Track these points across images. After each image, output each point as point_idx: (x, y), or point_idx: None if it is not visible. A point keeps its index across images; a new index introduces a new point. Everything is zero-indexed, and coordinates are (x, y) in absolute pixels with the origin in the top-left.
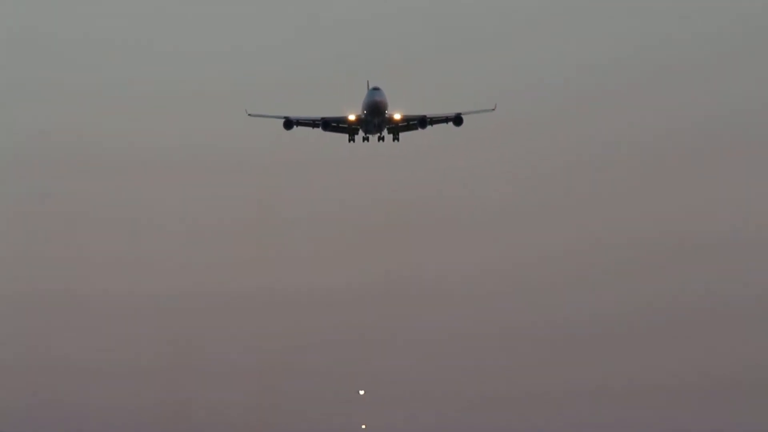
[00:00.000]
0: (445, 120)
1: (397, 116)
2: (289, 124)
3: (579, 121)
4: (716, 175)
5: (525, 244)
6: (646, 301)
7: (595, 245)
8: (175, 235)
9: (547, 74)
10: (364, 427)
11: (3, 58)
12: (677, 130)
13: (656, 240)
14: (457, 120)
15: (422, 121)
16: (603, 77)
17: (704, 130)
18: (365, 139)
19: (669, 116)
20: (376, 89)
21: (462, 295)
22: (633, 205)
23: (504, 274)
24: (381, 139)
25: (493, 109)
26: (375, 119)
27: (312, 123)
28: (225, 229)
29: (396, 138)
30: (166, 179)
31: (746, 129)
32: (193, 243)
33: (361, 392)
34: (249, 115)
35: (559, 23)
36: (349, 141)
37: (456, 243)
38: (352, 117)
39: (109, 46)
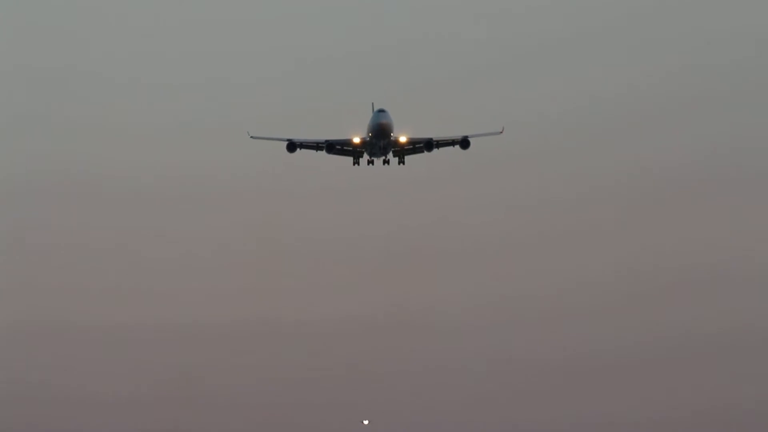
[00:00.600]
0: (451, 143)
1: (402, 139)
2: (292, 146)
3: (587, 148)
4: (724, 209)
5: (532, 273)
6: (650, 335)
7: (606, 274)
8: (175, 264)
9: (556, 100)
10: None
11: (2, 91)
12: (686, 164)
13: (665, 273)
14: (464, 143)
15: (428, 144)
16: (612, 107)
17: (710, 164)
18: (370, 162)
19: (679, 149)
20: (381, 111)
21: (467, 325)
22: (642, 236)
23: (511, 304)
24: (386, 162)
25: (501, 132)
26: (380, 142)
27: (315, 146)
28: (226, 257)
29: (401, 161)
30: (167, 207)
31: (750, 165)
32: (193, 272)
33: (365, 422)
34: (251, 137)
35: (571, 50)
36: (354, 164)
37: (461, 272)
38: (356, 140)
39: (106, 75)
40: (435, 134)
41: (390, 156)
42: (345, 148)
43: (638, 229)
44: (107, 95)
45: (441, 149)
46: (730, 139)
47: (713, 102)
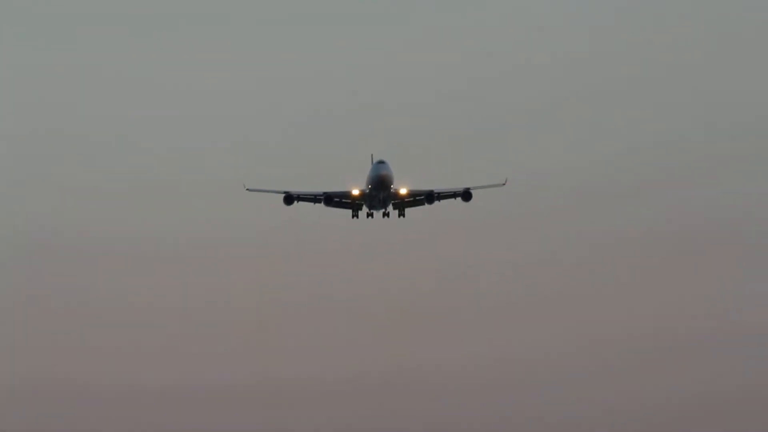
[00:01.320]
0: (453, 195)
1: (403, 191)
2: (289, 199)
3: (591, 203)
4: (730, 270)
5: (535, 331)
6: (656, 396)
7: (613, 333)
8: (171, 323)
9: (559, 154)
10: None
11: (4, 155)
12: (692, 224)
13: (671, 333)
14: (466, 195)
15: (429, 196)
16: (617, 163)
17: (715, 224)
18: (369, 215)
19: (684, 209)
20: (381, 162)
21: (468, 387)
22: (648, 295)
23: (514, 365)
24: (386, 215)
25: (504, 184)
26: (380, 194)
27: (314, 198)
28: (221, 315)
29: (402, 214)
30: (164, 265)
31: (756, 226)
32: (190, 330)
33: None
34: (247, 190)
35: (575, 105)
36: (353, 217)
37: (463, 332)
38: (355, 192)
39: (104, 137)
40: (436, 186)
41: (390, 208)
42: (344, 200)
43: (644, 287)
44: (100, 156)
45: (442, 201)
46: (735, 200)
47: (720, 162)
